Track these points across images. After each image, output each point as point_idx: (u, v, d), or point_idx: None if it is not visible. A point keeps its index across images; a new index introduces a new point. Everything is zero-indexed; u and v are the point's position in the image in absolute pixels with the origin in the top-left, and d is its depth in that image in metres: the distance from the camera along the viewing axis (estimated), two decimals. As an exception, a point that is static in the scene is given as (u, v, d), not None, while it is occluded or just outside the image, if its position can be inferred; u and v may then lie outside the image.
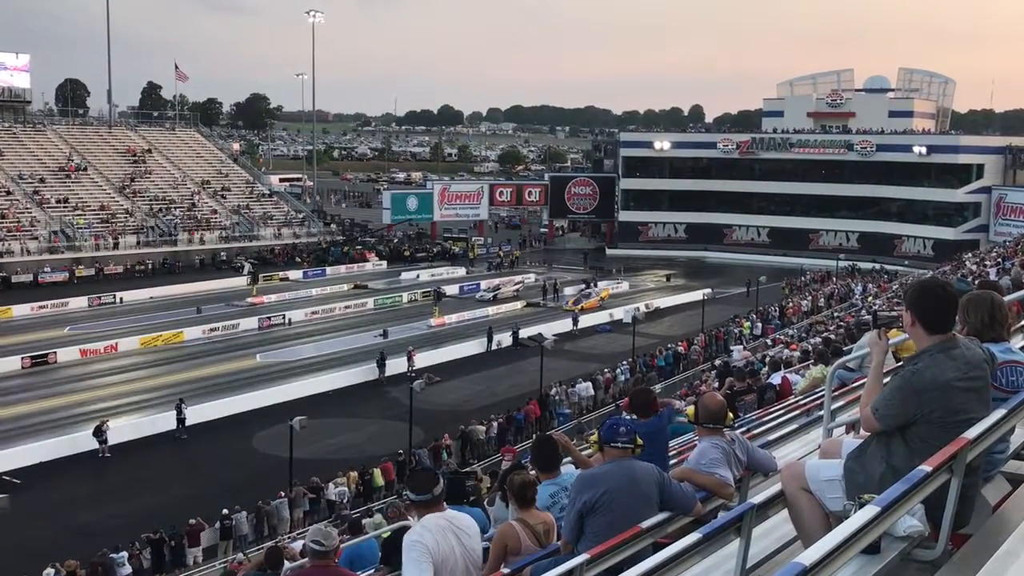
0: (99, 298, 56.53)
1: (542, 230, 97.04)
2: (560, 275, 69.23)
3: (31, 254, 63.85)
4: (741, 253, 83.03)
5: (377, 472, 28.83)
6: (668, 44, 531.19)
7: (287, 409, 32.02)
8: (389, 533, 10.98)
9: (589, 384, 38.19)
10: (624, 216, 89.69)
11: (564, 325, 51.50)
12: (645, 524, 5.26)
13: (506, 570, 5.99)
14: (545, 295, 60.80)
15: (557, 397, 36.65)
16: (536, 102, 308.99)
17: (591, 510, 5.46)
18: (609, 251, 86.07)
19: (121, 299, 57.11)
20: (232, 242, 74.11)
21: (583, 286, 62.15)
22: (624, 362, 41.76)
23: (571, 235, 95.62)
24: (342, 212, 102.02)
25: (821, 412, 7.98)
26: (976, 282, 10.42)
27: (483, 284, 63.72)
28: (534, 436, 31.23)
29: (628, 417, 6.95)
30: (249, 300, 57.03)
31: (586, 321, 53.05)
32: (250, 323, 51.33)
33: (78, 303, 55.16)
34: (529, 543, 6.20)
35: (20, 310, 52.62)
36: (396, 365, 41.47)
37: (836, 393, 8.09)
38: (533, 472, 7.46)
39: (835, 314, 48.33)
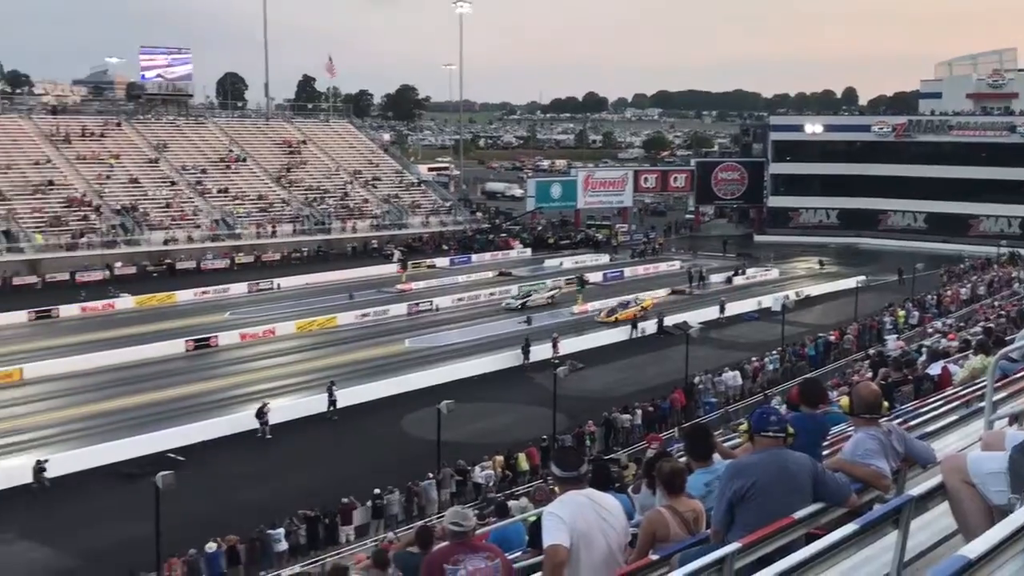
0: (258, 284, 58.73)
1: (687, 216, 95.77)
2: (705, 262, 68.35)
3: (194, 242, 66.83)
4: (896, 239, 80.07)
5: (522, 456, 29.11)
6: (822, 26, 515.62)
7: (435, 393, 32.63)
8: (536, 517, 11.11)
9: (736, 373, 37.47)
10: (774, 201, 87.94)
11: (710, 313, 50.79)
12: (798, 515, 5.20)
13: (654, 556, 6.01)
14: (691, 282, 60.07)
15: (702, 386, 36.14)
16: (683, 87, 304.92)
17: (741, 499, 5.44)
18: (757, 238, 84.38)
19: (278, 285, 59.19)
20: (382, 230, 75.90)
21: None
22: (773, 351, 40.96)
23: (718, 221, 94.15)
24: (487, 200, 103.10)
25: (981, 404, 7.74)
26: None
27: (513, 289, 57.02)
28: (679, 425, 31.14)
29: (784, 409, 6.91)
30: (398, 287, 58.29)
31: (733, 309, 52.20)
32: (399, 309, 52.54)
33: (238, 289, 57.37)
34: (678, 530, 6.19)
35: (184, 295, 55.04)
36: (540, 351, 41.79)
37: (998, 384, 7.83)
38: (684, 460, 7.46)
39: (996, 303, 46.23)
